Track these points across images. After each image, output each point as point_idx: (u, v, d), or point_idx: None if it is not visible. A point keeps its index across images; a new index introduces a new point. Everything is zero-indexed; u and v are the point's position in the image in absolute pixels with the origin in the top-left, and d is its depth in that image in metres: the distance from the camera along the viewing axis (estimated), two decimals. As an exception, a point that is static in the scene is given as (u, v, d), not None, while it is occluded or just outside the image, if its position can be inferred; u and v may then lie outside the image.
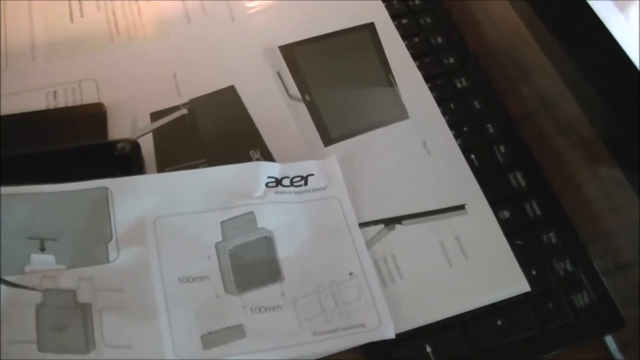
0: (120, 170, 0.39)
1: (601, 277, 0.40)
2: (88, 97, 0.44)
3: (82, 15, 0.48)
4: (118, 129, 0.43)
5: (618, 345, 0.39)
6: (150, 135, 0.43)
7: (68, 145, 0.40)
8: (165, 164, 0.42)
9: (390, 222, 0.40)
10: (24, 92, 0.44)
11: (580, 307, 0.39)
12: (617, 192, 0.43)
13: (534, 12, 0.46)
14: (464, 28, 0.50)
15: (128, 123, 0.43)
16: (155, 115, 0.44)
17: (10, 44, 0.47)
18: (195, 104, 0.44)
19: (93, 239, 0.37)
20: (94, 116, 0.43)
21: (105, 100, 0.44)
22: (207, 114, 0.44)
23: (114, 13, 0.48)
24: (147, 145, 0.42)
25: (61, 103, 0.44)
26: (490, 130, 0.44)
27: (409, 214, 0.40)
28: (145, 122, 0.43)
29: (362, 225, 0.40)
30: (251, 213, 0.39)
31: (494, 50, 0.49)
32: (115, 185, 0.38)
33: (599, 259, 0.40)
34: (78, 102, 0.44)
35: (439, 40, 0.48)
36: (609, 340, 0.39)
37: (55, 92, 0.44)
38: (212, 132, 0.43)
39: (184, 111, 0.44)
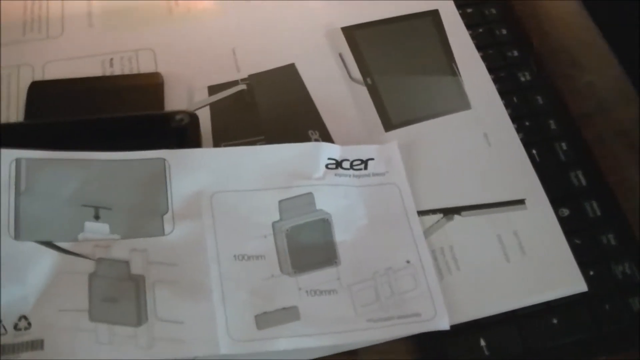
0: (176, 143, 0.38)
1: (660, 282, 0.39)
2: (145, 66, 0.44)
3: (140, -15, 0.48)
4: (174, 101, 0.42)
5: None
6: (207, 109, 0.42)
7: (125, 113, 0.40)
8: (221, 139, 0.41)
9: (449, 212, 0.39)
10: (80, 58, 0.44)
11: (637, 311, 0.38)
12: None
13: (603, 10, 0.45)
14: (528, 22, 0.49)
15: (184, 95, 0.43)
16: (213, 89, 0.43)
17: (67, 10, 0.46)
18: (254, 80, 0.43)
19: (149, 210, 0.37)
20: (150, 86, 0.42)
21: (162, 71, 0.43)
22: (266, 90, 0.43)
23: (173, -16, 0.48)
24: (204, 119, 0.41)
25: (117, 71, 0.43)
26: (553, 126, 0.43)
27: (468, 205, 0.39)
28: (202, 96, 0.43)
29: (420, 213, 0.39)
30: (310, 194, 0.38)
31: (557, 47, 0.48)
32: (173, 156, 0.38)
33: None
34: (134, 71, 0.43)
35: (504, 32, 0.47)
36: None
37: (111, 60, 0.44)
38: (270, 109, 0.42)
39: (243, 86, 0.43)
